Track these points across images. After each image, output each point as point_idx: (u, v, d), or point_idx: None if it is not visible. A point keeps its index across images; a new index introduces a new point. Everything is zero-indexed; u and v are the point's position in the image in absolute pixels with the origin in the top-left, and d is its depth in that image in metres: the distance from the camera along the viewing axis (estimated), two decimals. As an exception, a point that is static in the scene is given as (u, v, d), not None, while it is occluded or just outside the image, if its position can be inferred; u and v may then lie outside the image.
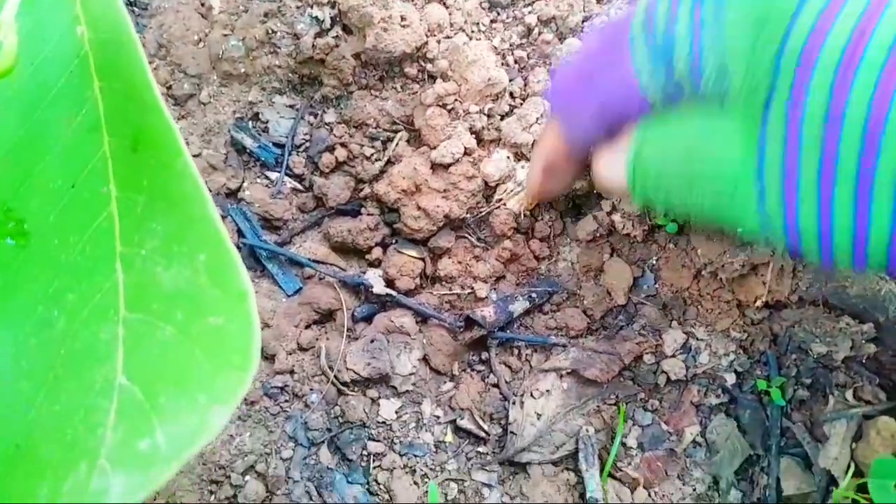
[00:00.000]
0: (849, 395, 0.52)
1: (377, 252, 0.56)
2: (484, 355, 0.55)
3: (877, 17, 0.27)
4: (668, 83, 0.34)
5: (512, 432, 0.53)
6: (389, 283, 0.55)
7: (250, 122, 0.56)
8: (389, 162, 0.56)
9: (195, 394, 0.28)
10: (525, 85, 0.57)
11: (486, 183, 0.55)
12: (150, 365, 0.31)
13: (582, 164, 0.43)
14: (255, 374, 0.27)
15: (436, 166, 0.54)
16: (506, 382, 0.54)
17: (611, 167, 0.38)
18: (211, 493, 0.51)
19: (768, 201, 0.31)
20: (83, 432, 0.32)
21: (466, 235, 0.56)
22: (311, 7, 0.54)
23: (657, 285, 0.55)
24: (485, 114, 0.55)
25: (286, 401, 0.54)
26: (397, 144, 0.56)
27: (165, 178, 0.32)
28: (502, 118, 0.56)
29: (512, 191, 0.55)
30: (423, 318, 0.55)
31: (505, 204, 0.55)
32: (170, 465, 0.25)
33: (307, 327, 0.55)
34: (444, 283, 0.56)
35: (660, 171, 0.36)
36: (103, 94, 0.38)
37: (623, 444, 0.53)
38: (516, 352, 0.56)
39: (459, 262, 0.55)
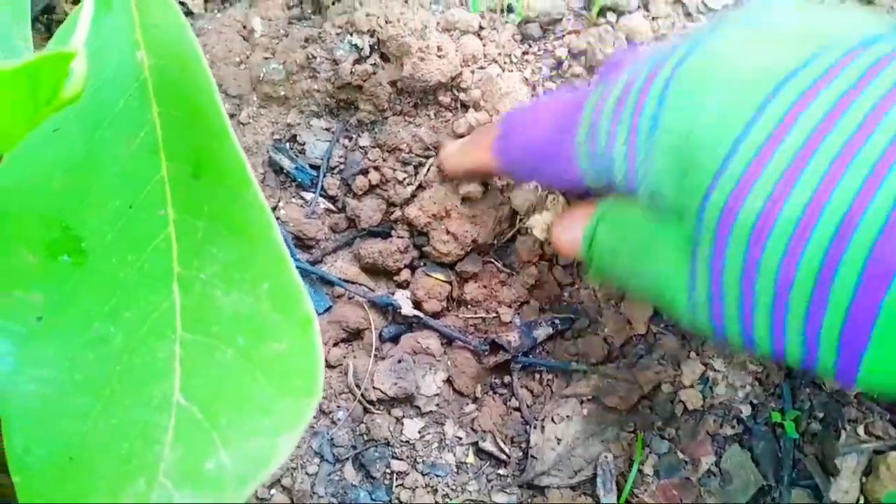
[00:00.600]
0: (860, 430, 0.54)
1: (406, 274, 0.57)
2: (506, 379, 0.57)
3: (792, 181, 0.29)
4: (612, 186, 0.37)
5: (532, 456, 0.54)
6: (417, 304, 0.57)
7: (288, 144, 0.58)
8: (420, 187, 0.57)
9: (259, 418, 0.29)
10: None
11: (514, 211, 0.57)
12: (209, 385, 0.32)
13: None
14: (319, 398, 0.28)
15: (465, 198, 0.55)
16: (527, 406, 0.56)
17: (567, 234, 0.42)
18: (237, 505, 0.53)
19: (699, 317, 0.35)
20: (140, 447, 0.33)
21: (493, 261, 0.57)
22: (351, 35, 0.56)
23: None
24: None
25: (313, 417, 0.55)
26: (428, 170, 0.57)
27: (229, 205, 0.34)
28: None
29: (539, 220, 0.57)
30: (448, 341, 0.57)
31: (531, 231, 0.57)
32: (241, 489, 0.26)
33: (335, 345, 0.57)
34: (469, 306, 0.57)
35: (611, 258, 0.39)
36: (162, 118, 0.40)
37: (640, 472, 0.54)
38: (538, 376, 0.57)
39: (485, 287, 0.57)
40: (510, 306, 0.57)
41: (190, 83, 0.38)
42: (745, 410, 0.55)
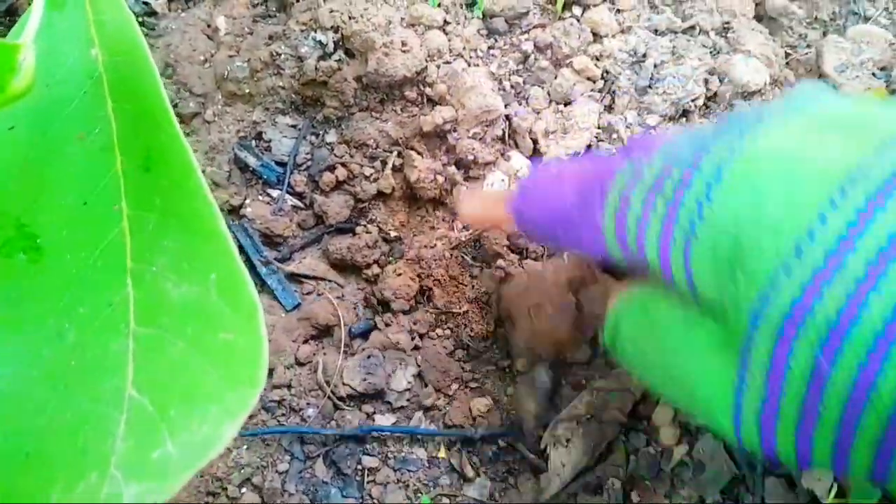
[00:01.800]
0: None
1: (375, 269, 0.57)
2: (478, 372, 0.57)
3: (873, 282, 0.26)
4: (643, 272, 0.34)
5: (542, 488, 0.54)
6: (386, 302, 0.57)
7: (253, 141, 0.58)
8: (388, 182, 0.57)
9: (206, 406, 0.29)
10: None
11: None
12: (161, 378, 0.32)
13: None
14: (263, 387, 0.28)
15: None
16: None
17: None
18: (207, 504, 0.52)
19: (744, 430, 0.31)
20: (94, 441, 0.33)
21: (462, 255, 0.57)
22: (315, 31, 0.56)
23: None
24: (479, 139, 0.56)
25: (283, 415, 0.55)
26: (392, 165, 0.57)
27: (178, 197, 0.34)
28: (494, 141, 0.57)
29: None
30: (418, 335, 0.57)
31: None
32: (182, 475, 0.26)
33: (305, 342, 0.56)
34: (439, 300, 0.57)
35: (636, 354, 0.36)
36: (116, 114, 0.40)
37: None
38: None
39: (457, 281, 0.57)
40: (478, 301, 0.57)
41: (139, 78, 0.38)
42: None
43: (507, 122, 0.57)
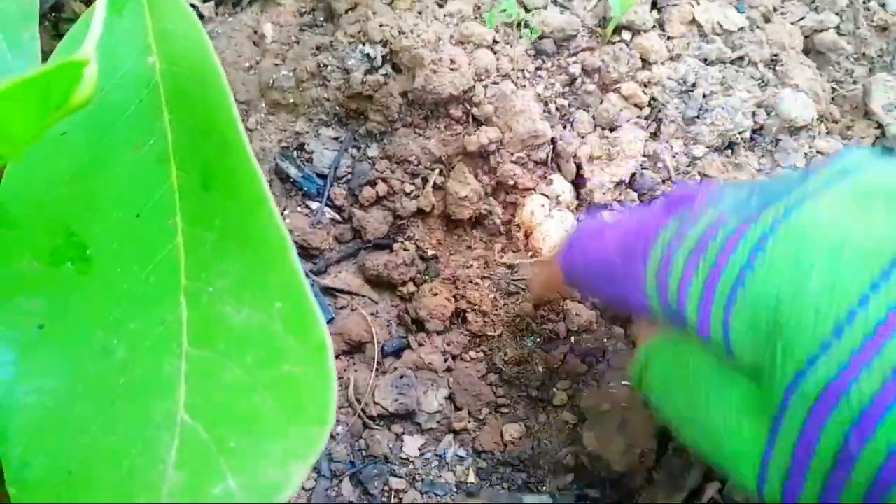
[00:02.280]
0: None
1: (410, 287, 0.57)
2: (508, 399, 0.56)
3: None
4: (682, 329, 0.34)
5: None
6: (420, 321, 0.56)
7: (295, 152, 0.57)
8: (428, 199, 0.57)
9: (268, 443, 0.28)
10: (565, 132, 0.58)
11: (522, 228, 0.56)
12: (216, 404, 0.31)
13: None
14: (332, 427, 0.27)
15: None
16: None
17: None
18: (232, 518, 0.52)
19: (768, 487, 0.31)
20: (142, 465, 0.32)
21: (498, 277, 0.57)
22: (363, 44, 0.55)
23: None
24: (521, 163, 0.56)
25: (312, 430, 0.54)
26: (433, 183, 0.57)
27: (243, 221, 0.33)
28: (537, 164, 0.57)
29: (543, 236, 0.56)
30: (451, 357, 0.56)
31: (538, 248, 0.56)
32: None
33: (337, 357, 0.56)
34: (473, 322, 0.56)
35: (665, 397, 0.36)
36: (173, 126, 0.39)
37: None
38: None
39: (493, 304, 0.56)
40: (512, 324, 0.56)
41: (204, 91, 0.37)
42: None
43: (552, 146, 0.57)
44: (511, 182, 0.56)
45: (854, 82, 0.64)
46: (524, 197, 0.57)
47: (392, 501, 0.53)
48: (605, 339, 0.56)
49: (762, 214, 0.31)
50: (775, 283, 0.29)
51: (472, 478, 0.54)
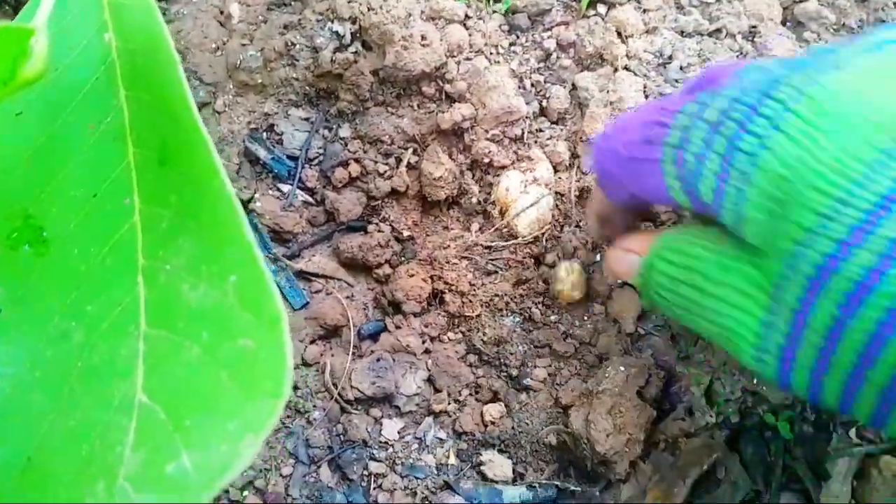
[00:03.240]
0: (852, 433, 0.52)
1: (386, 269, 0.56)
2: (491, 377, 0.55)
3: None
4: (696, 204, 0.35)
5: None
6: (397, 303, 0.55)
7: (265, 134, 0.56)
8: (402, 179, 0.56)
9: (223, 420, 0.27)
10: (540, 109, 0.57)
11: (497, 206, 0.55)
12: (174, 384, 0.30)
13: (635, 209, 0.44)
14: (286, 400, 0.26)
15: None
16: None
17: (619, 263, 0.41)
18: (209, 507, 0.51)
19: (766, 359, 0.33)
20: (100, 449, 0.31)
21: (477, 257, 0.56)
22: (332, 21, 0.54)
23: (666, 316, 0.55)
24: (496, 140, 0.55)
25: (288, 416, 0.53)
26: (407, 163, 0.56)
27: (197, 195, 0.32)
28: (513, 141, 0.56)
29: (518, 213, 0.55)
30: (430, 338, 0.55)
31: (515, 227, 0.55)
32: (203, 493, 0.25)
33: (312, 342, 0.55)
34: (451, 303, 0.55)
35: (672, 290, 0.37)
36: (129, 103, 0.38)
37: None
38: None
39: (471, 284, 0.55)
40: (490, 305, 0.55)
41: (157, 66, 0.36)
42: (735, 413, 0.54)
43: (527, 122, 0.56)
44: (486, 160, 0.55)
45: None
46: (498, 176, 0.56)
47: (372, 486, 0.52)
48: (584, 318, 0.56)
49: (782, 88, 0.31)
50: (787, 160, 0.30)
51: (452, 460, 0.53)
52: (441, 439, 0.54)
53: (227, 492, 0.51)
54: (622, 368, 0.52)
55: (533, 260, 0.56)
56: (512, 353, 0.55)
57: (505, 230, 0.56)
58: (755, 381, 0.53)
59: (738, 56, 0.59)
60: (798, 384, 0.32)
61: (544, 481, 0.52)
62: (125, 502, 0.28)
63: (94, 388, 0.33)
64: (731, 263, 0.33)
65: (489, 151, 0.54)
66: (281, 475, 0.52)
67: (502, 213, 0.56)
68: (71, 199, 0.37)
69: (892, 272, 0.27)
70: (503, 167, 0.56)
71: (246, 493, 0.51)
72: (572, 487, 0.52)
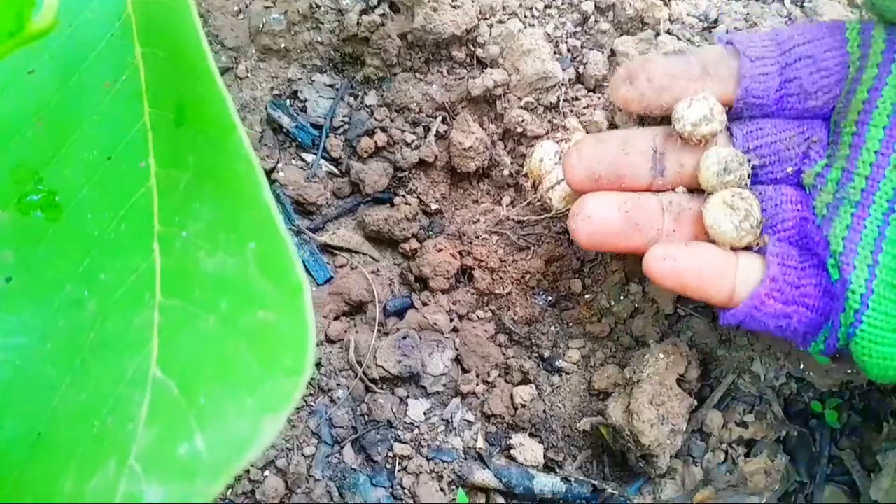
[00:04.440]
0: (904, 423, 0.50)
1: (413, 243, 0.53)
2: (521, 358, 0.53)
3: None
4: None
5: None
6: (423, 279, 0.53)
7: (288, 101, 0.53)
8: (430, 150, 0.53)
9: (241, 397, 0.25)
10: (577, 76, 0.54)
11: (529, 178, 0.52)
12: (189, 358, 0.28)
13: None
14: (309, 377, 0.24)
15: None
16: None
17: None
18: (228, 487, 0.49)
19: None
20: (112, 425, 0.29)
21: (508, 233, 0.53)
22: (359, -18, 0.52)
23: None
24: (530, 108, 0.52)
25: (311, 395, 0.51)
26: (436, 132, 0.53)
27: (215, 156, 0.30)
28: (547, 109, 0.53)
29: (553, 185, 0.52)
30: (458, 316, 0.53)
31: (548, 200, 0.52)
32: (216, 479, 0.22)
33: (336, 319, 0.53)
34: (480, 280, 0.53)
35: None
36: (146, 60, 0.36)
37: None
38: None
39: (501, 261, 0.53)
40: (521, 282, 0.53)
41: (174, 20, 0.33)
42: (780, 401, 0.51)
43: (563, 89, 0.53)
44: (519, 129, 0.52)
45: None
46: (532, 146, 0.53)
47: (397, 468, 0.50)
48: (621, 297, 0.53)
49: None
50: None
51: (480, 443, 0.51)
52: (469, 421, 0.52)
53: (247, 471, 0.49)
54: (661, 355, 0.49)
55: (567, 235, 0.54)
56: (544, 334, 0.53)
57: (538, 204, 0.53)
58: (801, 366, 0.50)
59: (786, 21, 0.55)
60: None
61: (581, 478, 0.50)
62: (135, 487, 0.26)
63: (107, 361, 0.31)
64: None
65: (522, 120, 0.52)
66: (303, 455, 0.50)
67: (535, 186, 0.53)
68: (84, 162, 0.35)
69: None
70: (536, 137, 0.53)
71: (266, 472, 0.50)
72: (610, 490, 0.50)
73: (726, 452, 0.49)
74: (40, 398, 0.32)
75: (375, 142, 0.53)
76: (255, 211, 0.27)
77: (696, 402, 0.49)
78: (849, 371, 0.47)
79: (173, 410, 0.27)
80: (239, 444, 0.23)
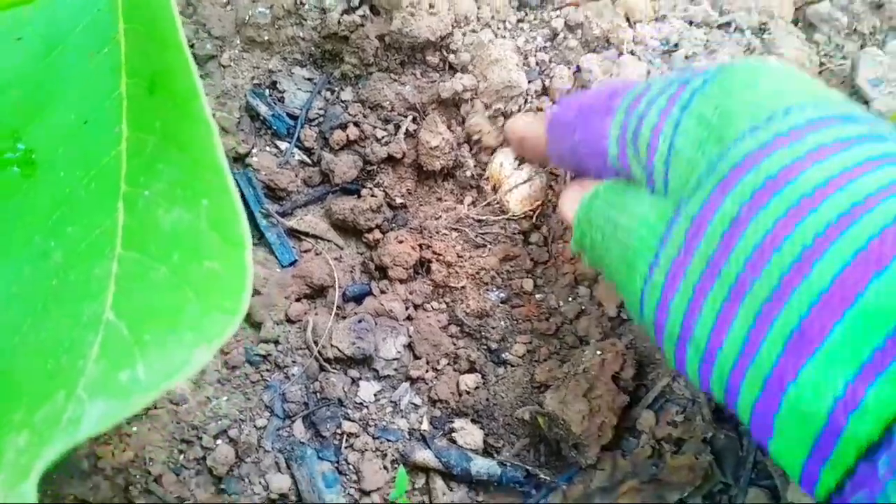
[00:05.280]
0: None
1: (377, 234, 0.56)
2: (470, 349, 0.55)
3: (812, 161, 0.30)
4: (624, 165, 0.39)
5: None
6: (383, 268, 0.55)
7: (267, 90, 0.56)
8: (399, 146, 0.56)
9: (182, 332, 0.28)
10: (543, 88, 0.57)
11: (490, 182, 0.55)
12: (140, 303, 0.31)
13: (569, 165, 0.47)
14: (243, 316, 0.27)
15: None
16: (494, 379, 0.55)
17: (568, 205, 0.44)
18: (181, 452, 0.51)
19: (648, 299, 0.35)
20: (65, 364, 0.32)
21: (466, 230, 0.56)
22: (342, -16, 0.55)
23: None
24: (491, 117, 0.55)
25: (267, 370, 0.54)
26: (406, 130, 0.56)
27: (179, 121, 0.33)
28: (507, 117, 0.56)
29: (511, 189, 0.55)
30: (413, 306, 0.55)
31: (506, 203, 0.55)
32: (147, 395, 0.25)
33: (297, 300, 0.55)
34: (437, 273, 0.56)
35: (592, 230, 0.40)
36: (127, 35, 0.39)
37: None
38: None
39: (458, 256, 0.55)
40: (476, 277, 0.56)
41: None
42: (709, 405, 0.54)
43: (527, 98, 0.56)
44: (475, 138, 0.55)
45: (843, 58, 0.63)
46: (493, 152, 0.56)
47: (343, 444, 0.53)
48: (569, 298, 0.56)
49: (697, 76, 0.37)
50: (728, 87, 0.34)
51: (425, 426, 0.54)
52: (416, 405, 0.54)
53: (200, 438, 0.52)
54: (599, 352, 0.52)
55: (522, 237, 0.56)
56: (493, 328, 0.55)
57: (496, 205, 0.56)
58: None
59: (745, 51, 0.59)
60: (672, 323, 0.34)
61: (516, 462, 0.52)
62: (78, 410, 0.28)
63: (67, 306, 0.33)
64: (645, 203, 0.36)
65: (479, 130, 0.55)
66: (255, 426, 0.52)
67: (495, 189, 0.56)
68: (62, 125, 0.38)
69: (801, 177, 0.29)
70: (489, 148, 0.56)
71: (219, 441, 0.52)
72: (542, 476, 0.52)
73: (654, 448, 0.52)
74: (5, 339, 0.34)
75: (347, 135, 0.56)
76: (210, 171, 0.30)
77: (628, 399, 0.52)
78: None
79: (120, 347, 0.30)
80: (174, 369, 0.26)
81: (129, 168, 0.35)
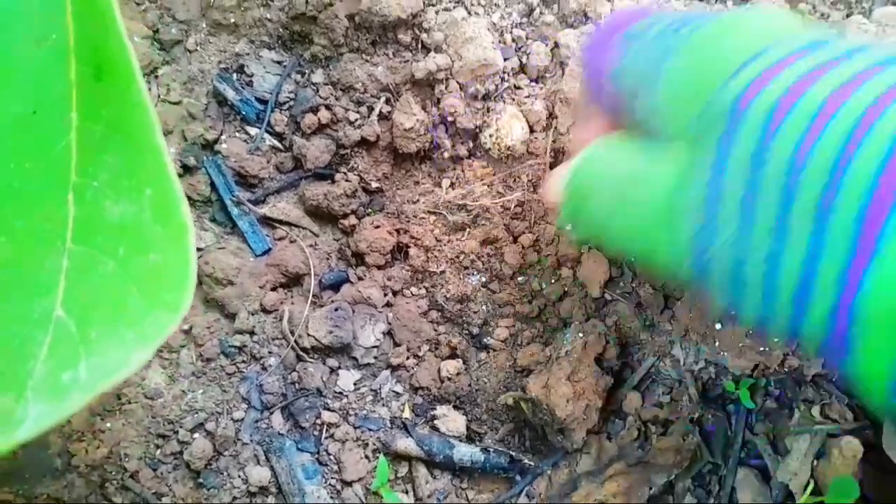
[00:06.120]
0: (815, 411, 0.51)
1: (352, 220, 0.55)
2: (451, 335, 0.54)
3: (814, 80, 0.29)
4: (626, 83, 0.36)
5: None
6: (360, 254, 0.54)
7: (235, 75, 0.55)
8: (373, 129, 0.54)
9: (124, 331, 0.27)
10: (520, 66, 0.55)
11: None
12: (88, 299, 0.30)
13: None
14: (185, 313, 0.26)
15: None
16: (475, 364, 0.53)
17: (556, 182, 0.39)
18: (157, 447, 0.50)
19: (680, 232, 0.32)
20: (15, 362, 0.31)
21: (445, 214, 0.55)
22: (309, -38, 0.53)
23: (634, 283, 0.54)
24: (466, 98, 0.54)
25: (243, 361, 0.53)
26: (379, 112, 0.55)
27: (122, 107, 0.31)
28: (484, 98, 0.54)
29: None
30: (392, 292, 0.54)
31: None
32: (84, 396, 0.24)
33: (273, 289, 0.54)
34: (416, 258, 0.55)
35: (592, 196, 0.37)
36: (75, 20, 0.37)
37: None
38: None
39: (437, 240, 0.54)
40: (456, 261, 0.54)
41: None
42: (696, 384, 0.53)
43: (503, 76, 0.54)
44: (450, 119, 0.53)
45: (829, 27, 0.61)
46: (468, 137, 0.54)
47: (324, 435, 0.52)
48: (552, 280, 0.55)
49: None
50: (719, 26, 0.33)
51: (407, 413, 0.53)
52: (397, 393, 0.53)
53: (176, 433, 0.51)
54: (581, 334, 0.51)
55: (503, 219, 0.55)
56: (475, 312, 0.54)
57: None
58: (718, 351, 0.52)
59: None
60: (723, 252, 0.31)
61: (500, 448, 0.52)
62: (23, 412, 0.27)
63: (17, 303, 0.32)
64: (652, 160, 0.34)
65: (454, 111, 0.53)
66: (232, 419, 0.51)
67: (475, 170, 0.55)
68: (9, 115, 0.36)
69: (805, 96, 0.28)
70: (466, 129, 0.54)
71: (196, 434, 0.51)
72: (526, 461, 0.51)
73: (640, 430, 0.51)
74: (-49, 339, 0.33)
75: (319, 119, 0.54)
76: (149, 155, 0.29)
77: (612, 381, 0.51)
78: (762, 349, 0.49)
79: (68, 345, 0.29)
80: (111, 370, 0.25)
81: (80, 158, 0.34)
